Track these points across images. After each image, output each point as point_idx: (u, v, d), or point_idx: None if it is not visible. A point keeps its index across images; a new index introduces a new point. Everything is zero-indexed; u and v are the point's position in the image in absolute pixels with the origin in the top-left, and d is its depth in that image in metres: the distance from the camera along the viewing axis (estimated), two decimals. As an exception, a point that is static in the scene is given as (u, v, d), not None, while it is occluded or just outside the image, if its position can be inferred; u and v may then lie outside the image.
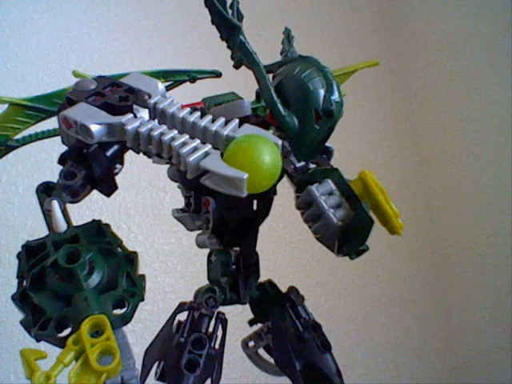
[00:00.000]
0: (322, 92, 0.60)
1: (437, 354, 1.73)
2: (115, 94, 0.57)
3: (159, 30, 1.45)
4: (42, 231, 0.58)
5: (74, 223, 0.59)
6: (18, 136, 0.66)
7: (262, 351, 0.73)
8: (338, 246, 0.59)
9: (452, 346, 1.76)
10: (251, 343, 0.74)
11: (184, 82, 0.71)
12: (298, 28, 0.74)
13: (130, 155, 0.60)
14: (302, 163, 0.63)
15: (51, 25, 1.33)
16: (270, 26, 1.19)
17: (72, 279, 0.53)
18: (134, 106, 0.57)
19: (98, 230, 0.59)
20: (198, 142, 0.53)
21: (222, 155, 0.51)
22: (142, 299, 0.55)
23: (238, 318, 0.72)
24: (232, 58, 0.62)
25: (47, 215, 0.59)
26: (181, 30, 1.48)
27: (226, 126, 0.54)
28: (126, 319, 0.53)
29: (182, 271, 1.34)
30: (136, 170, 1.31)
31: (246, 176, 0.48)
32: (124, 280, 0.55)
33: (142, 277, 0.57)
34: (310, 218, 0.59)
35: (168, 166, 0.65)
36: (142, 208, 1.33)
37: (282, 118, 0.60)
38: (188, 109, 0.57)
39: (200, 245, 0.67)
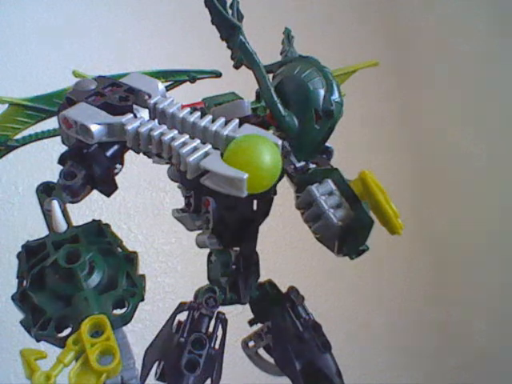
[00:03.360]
0: (321, 92, 0.60)
1: (437, 354, 1.73)
2: (115, 94, 0.57)
3: (159, 30, 1.45)
4: (42, 231, 0.58)
5: (74, 223, 0.59)
6: (18, 136, 0.66)
7: (262, 351, 0.73)
8: (338, 245, 0.58)
9: (452, 346, 1.76)
10: (251, 343, 0.74)
11: (184, 81, 0.71)
12: (297, 28, 0.74)
13: (130, 155, 0.60)
14: (302, 163, 0.63)
15: (51, 25, 1.33)
16: (270, 26, 1.19)
17: (72, 279, 0.53)
18: (134, 106, 0.57)
19: (98, 230, 0.59)
20: (198, 142, 0.53)
21: (221, 155, 0.51)
22: (142, 299, 0.55)
23: (238, 318, 0.72)
24: (232, 58, 0.62)
25: (47, 215, 0.59)
26: (181, 30, 1.48)
27: (226, 126, 0.54)
28: (126, 319, 0.53)
29: (182, 271, 1.34)
30: (136, 169, 1.30)
31: (245, 176, 0.48)
32: (124, 280, 0.55)
33: (142, 277, 0.57)
34: (310, 218, 0.59)
35: (168, 165, 0.65)
36: (142, 208, 1.33)
37: (282, 118, 0.60)
38: (188, 109, 0.57)
39: (200, 245, 0.67)
